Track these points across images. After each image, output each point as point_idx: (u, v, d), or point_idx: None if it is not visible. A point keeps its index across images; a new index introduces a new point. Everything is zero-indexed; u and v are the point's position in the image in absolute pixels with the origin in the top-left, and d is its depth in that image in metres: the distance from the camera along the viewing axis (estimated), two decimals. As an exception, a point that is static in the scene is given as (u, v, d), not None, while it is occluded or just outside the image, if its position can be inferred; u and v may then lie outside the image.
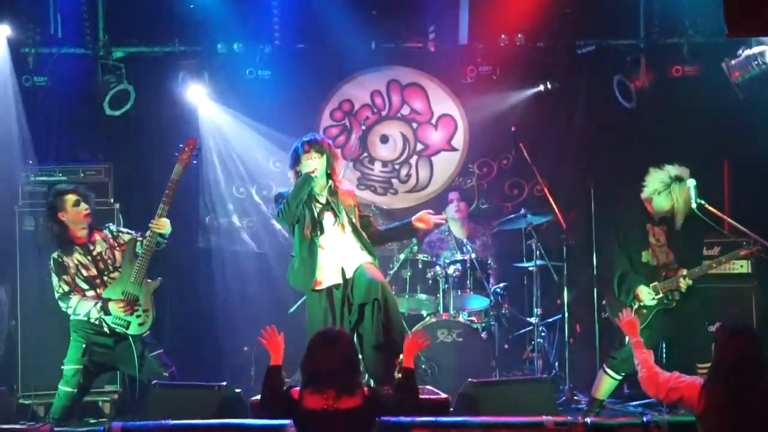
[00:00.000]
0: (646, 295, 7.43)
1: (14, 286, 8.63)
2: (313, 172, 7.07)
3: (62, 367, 7.25)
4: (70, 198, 7.25)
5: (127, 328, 7.15)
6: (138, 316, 7.17)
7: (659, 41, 9.78)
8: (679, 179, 7.44)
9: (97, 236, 7.32)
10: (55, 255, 7.23)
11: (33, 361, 8.43)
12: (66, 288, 7.16)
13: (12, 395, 8.26)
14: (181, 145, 7.49)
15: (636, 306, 7.46)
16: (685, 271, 7.43)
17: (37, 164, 8.93)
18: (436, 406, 6.69)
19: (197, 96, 9.94)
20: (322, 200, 7.22)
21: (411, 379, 5.80)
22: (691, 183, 7.44)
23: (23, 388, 8.45)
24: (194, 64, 9.93)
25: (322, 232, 7.15)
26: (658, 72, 9.74)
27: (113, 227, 7.45)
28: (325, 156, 7.18)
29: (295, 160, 7.19)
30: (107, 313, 7.10)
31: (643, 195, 7.60)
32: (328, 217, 7.20)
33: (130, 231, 7.42)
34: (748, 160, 9.52)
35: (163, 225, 7.24)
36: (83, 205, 7.25)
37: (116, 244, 7.34)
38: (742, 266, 8.64)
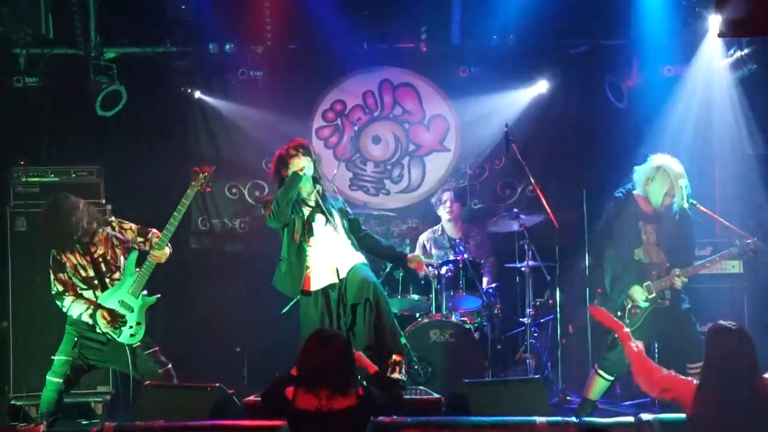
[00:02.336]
0: (640, 295, 7.45)
1: (6, 286, 8.62)
2: (301, 170, 7.09)
3: (52, 357, 7.27)
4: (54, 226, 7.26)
5: (118, 336, 7.17)
6: (130, 327, 7.19)
7: (650, 41, 9.78)
8: (666, 161, 7.49)
9: (98, 237, 7.33)
10: (54, 251, 7.26)
11: (25, 362, 8.42)
12: (61, 287, 7.19)
13: (4, 396, 8.25)
14: (196, 169, 7.49)
15: (629, 306, 7.48)
16: (678, 270, 7.45)
17: (28, 165, 8.90)
18: (428, 407, 6.70)
19: (189, 96, 9.93)
20: (312, 203, 7.25)
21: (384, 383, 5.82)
22: (684, 183, 7.47)
23: (15, 389, 8.44)
24: (186, 64, 9.94)
25: (311, 234, 7.18)
26: (649, 72, 9.76)
27: (115, 223, 7.44)
28: (311, 158, 7.22)
29: (281, 164, 7.22)
30: (95, 321, 7.12)
31: (636, 191, 7.62)
32: (319, 219, 7.23)
33: (132, 226, 7.42)
34: (738, 161, 9.53)
35: (163, 257, 7.27)
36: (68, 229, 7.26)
37: (117, 243, 7.35)
38: (733, 266, 8.66)
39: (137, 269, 7.27)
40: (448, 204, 9.56)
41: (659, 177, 7.49)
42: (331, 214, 7.25)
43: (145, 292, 7.32)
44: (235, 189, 10.33)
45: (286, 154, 7.25)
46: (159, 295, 7.39)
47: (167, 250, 7.30)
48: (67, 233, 7.21)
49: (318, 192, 7.30)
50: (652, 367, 5.78)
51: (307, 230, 7.19)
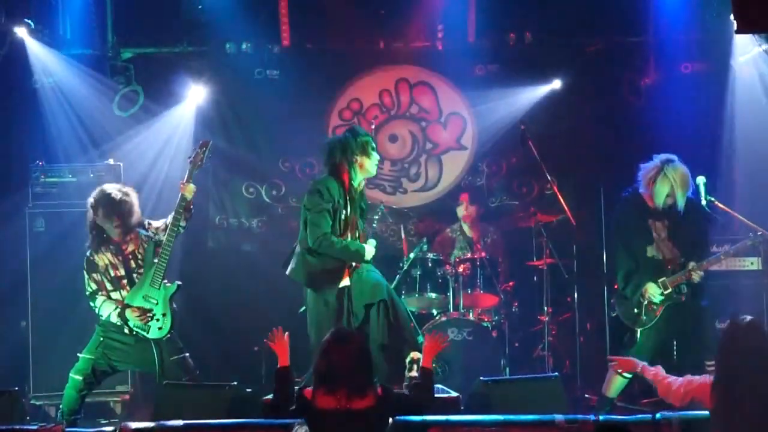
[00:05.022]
0: (655, 290, 7.43)
1: (25, 286, 8.66)
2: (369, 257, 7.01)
3: (78, 354, 7.31)
4: (100, 212, 7.29)
5: (148, 333, 7.20)
6: (157, 320, 7.21)
7: (668, 38, 9.74)
8: (669, 161, 7.48)
9: (132, 236, 7.37)
10: (88, 253, 7.31)
11: (44, 361, 8.46)
12: (94, 287, 7.25)
13: (24, 396, 8.28)
14: (195, 148, 7.50)
15: (645, 302, 7.46)
16: (694, 263, 7.43)
17: (46, 165, 8.94)
18: (446, 405, 6.68)
19: (205, 96, 9.94)
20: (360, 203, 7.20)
21: (429, 380, 5.79)
22: (701, 180, 7.46)
23: (35, 388, 8.48)
24: (203, 64, 9.95)
25: (353, 235, 7.09)
26: (667, 69, 9.72)
27: (145, 224, 7.46)
28: None
29: (348, 153, 7.03)
30: (125, 320, 7.15)
31: (641, 189, 7.61)
32: (356, 225, 7.14)
33: (160, 224, 7.43)
34: (758, 157, 9.49)
35: (190, 189, 7.25)
36: (114, 221, 7.29)
37: (147, 240, 7.39)
38: (752, 263, 8.61)
39: (155, 260, 7.28)
40: (464, 205, 9.58)
41: (660, 179, 7.48)
42: (364, 219, 7.22)
43: (166, 282, 7.33)
44: (252, 188, 10.35)
45: (360, 147, 7.06)
46: (180, 282, 7.39)
47: (192, 185, 7.29)
48: (102, 239, 7.30)
49: (361, 192, 7.22)
50: (670, 382, 5.77)
51: (353, 230, 7.10)
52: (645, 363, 6.15)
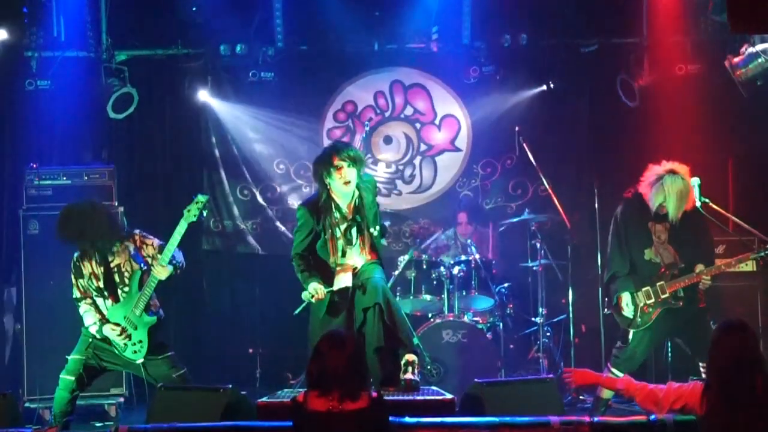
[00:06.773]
0: (627, 302, 7.42)
1: (19, 289, 8.66)
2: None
3: (67, 357, 7.28)
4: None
5: (123, 351, 7.17)
6: (133, 344, 7.18)
7: (662, 39, 9.75)
8: (672, 172, 7.39)
9: (118, 247, 7.28)
10: (75, 257, 7.27)
11: (38, 364, 8.44)
12: (78, 294, 7.22)
13: (18, 399, 8.26)
14: (194, 197, 7.37)
15: (641, 305, 7.45)
16: (702, 267, 7.41)
17: (41, 168, 8.92)
18: (441, 407, 6.67)
19: (200, 98, 9.94)
20: (350, 216, 7.05)
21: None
22: (695, 181, 7.44)
23: (29, 391, 8.46)
24: (197, 66, 9.95)
25: (346, 253, 7.04)
26: (661, 70, 9.73)
27: (137, 237, 7.38)
28: (359, 166, 6.96)
29: (324, 173, 6.91)
30: (102, 334, 7.13)
31: (641, 189, 7.58)
32: (353, 233, 7.07)
33: (154, 242, 7.34)
34: (752, 157, 9.51)
35: (163, 272, 7.18)
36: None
37: (137, 264, 7.33)
38: (747, 265, 8.60)
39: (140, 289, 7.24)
40: (462, 225, 9.61)
41: (656, 188, 7.42)
42: (364, 227, 7.10)
43: (162, 311, 7.31)
44: (246, 191, 10.33)
45: (330, 163, 6.87)
46: (158, 316, 7.32)
47: (169, 268, 7.21)
48: (101, 236, 7.22)
49: (356, 202, 7.04)
50: (652, 389, 5.71)
51: (346, 247, 7.06)
52: (607, 374, 6.09)
